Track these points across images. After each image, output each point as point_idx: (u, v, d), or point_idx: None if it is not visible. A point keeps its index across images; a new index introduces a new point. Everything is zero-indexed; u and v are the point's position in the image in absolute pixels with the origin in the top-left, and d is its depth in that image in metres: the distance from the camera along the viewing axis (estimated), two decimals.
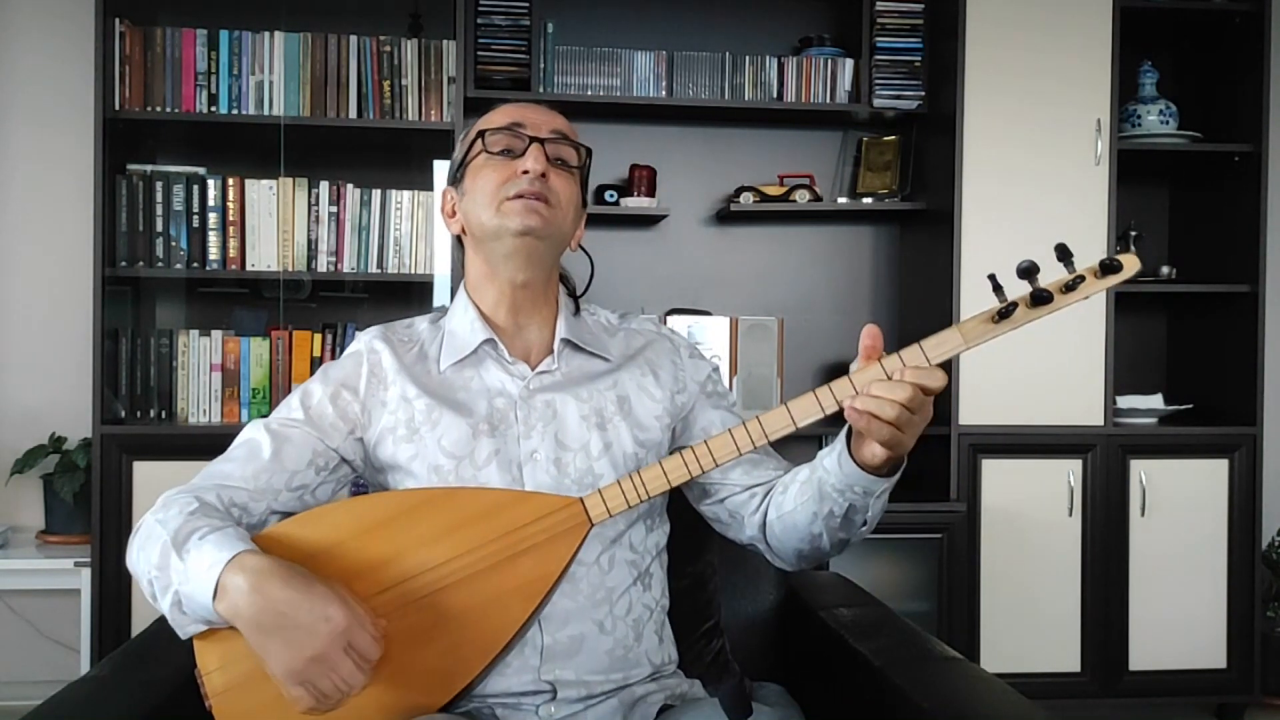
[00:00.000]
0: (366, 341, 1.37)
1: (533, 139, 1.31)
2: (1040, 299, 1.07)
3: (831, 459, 1.18)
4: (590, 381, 1.35)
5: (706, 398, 1.41)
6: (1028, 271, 1.06)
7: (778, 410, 1.14)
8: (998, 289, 1.08)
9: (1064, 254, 1.06)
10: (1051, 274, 1.07)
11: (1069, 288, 1.08)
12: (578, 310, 1.42)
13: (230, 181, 2.94)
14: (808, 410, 1.13)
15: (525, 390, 1.32)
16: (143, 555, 1.15)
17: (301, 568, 1.09)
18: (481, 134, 1.33)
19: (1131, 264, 1.08)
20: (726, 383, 1.46)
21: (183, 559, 1.10)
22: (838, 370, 3.34)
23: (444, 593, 1.14)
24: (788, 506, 1.27)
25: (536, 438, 1.29)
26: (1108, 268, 1.07)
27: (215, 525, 1.13)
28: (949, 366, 3.01)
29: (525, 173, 1.29)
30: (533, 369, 1.34)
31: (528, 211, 1.28)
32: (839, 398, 1.10)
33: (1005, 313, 1.08)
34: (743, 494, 1.34)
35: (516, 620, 1.15)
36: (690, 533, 1.48)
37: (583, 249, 1.41)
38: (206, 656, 1.14)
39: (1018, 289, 1.08)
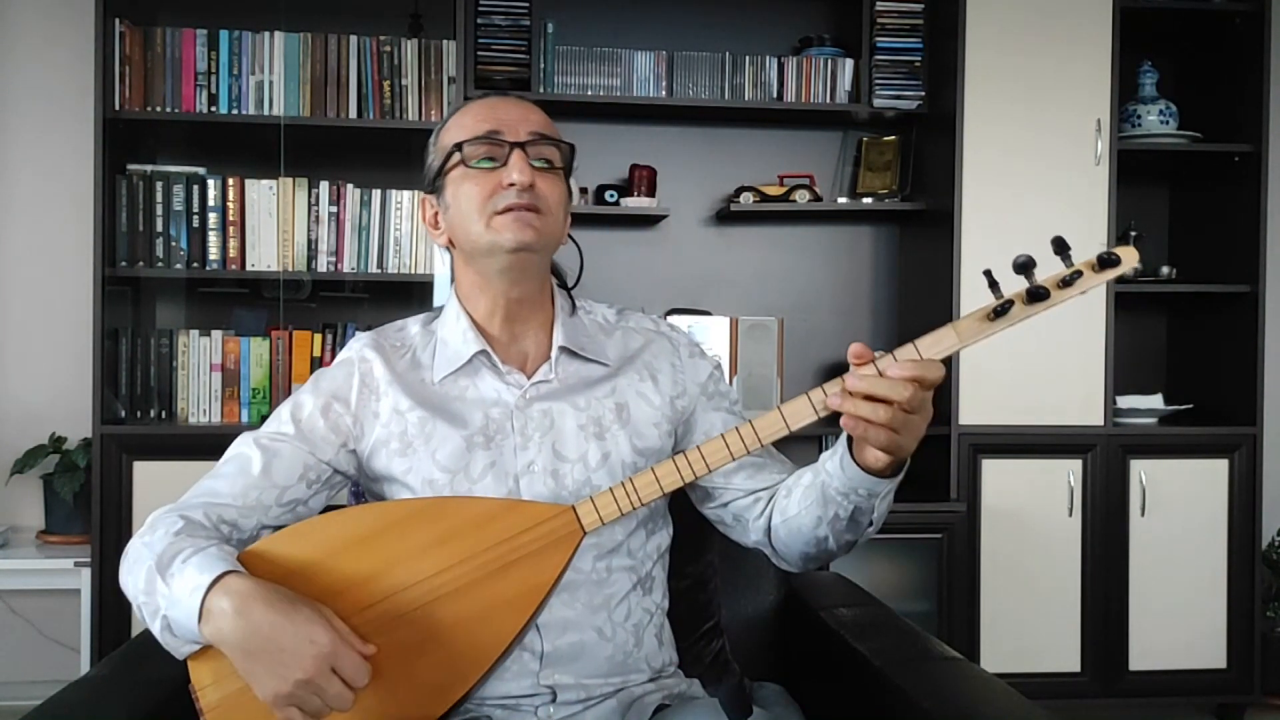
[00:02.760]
0: (358, 350, 1.33)
1: (513, 145, 1.24)
2: (1037, 295, 1.04)
3: (834, 462, 1.16)
4: (588, 389, 1.31)
5: (708, 399, 1.38)
6: (1024, 267, 1.03)
7: (770, 414, 1.13)
8: (993, 285, 1.05)
9: (1061, 247, 1.03)
10: (1049, 268, 1.04)
11: (1066, 283, 1.04)
12: (574, 309, 1.38)
13: (230, 181, 2.94)
14: (800, 413, 1.11)
15: (522, 400, 1.29)
16: (130, 579, 1.14)
17: (286, 589, 1.07)
18: (459, 146, 1.27)
19: (1130, 256, 1.05)
20: (727, 383, 1.45)
21: (167, 583, 1.09)
22: (838, 370, 3.34)
23: (435, 605, 1.12)
24: (792, 511, 1.25)
25: (534, 449, 1.27)
26: (1106, 261, 1.04)
27: (199, 546, 1.11)
28: (949, 364, 3.01)
29: (511, 184, 1.23)
30: (529, 377, 1.31)
31: (520, 226, 1.22)
32: (830, 400, 1.07)
33: (1001, 310, 1.05)
34: (746, 498, 1.33)
35: (510, 631, 1.13)
36: (691, 533, 1.47)
37: (571, 238, 1.34)
38: (200, 672, 1.13)
39: (1014, 284, 1.05)
